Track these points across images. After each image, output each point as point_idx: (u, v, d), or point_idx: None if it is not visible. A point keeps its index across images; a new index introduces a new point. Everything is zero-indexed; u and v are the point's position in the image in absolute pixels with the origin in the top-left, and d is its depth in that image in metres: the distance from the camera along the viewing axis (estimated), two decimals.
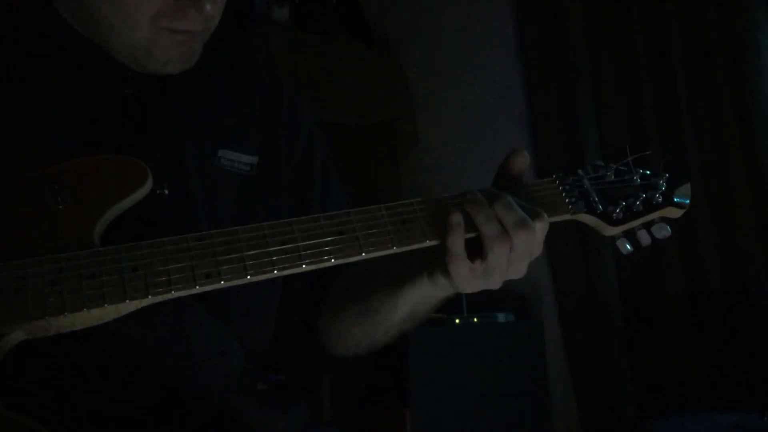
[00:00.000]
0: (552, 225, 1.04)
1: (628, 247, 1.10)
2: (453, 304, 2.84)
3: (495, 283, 1.03)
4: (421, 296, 1.09)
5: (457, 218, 0.99)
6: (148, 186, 1.04)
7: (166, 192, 1.11)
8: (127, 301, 0.93)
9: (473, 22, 3.41)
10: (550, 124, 3.16)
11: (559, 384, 3.02)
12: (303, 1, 3.29)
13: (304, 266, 0.97)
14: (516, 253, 1.00)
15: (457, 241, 0.99)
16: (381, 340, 1.20)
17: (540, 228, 1.01)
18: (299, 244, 0.98)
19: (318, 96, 3.13)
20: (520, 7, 3.27)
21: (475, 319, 2.84)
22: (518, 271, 1.02)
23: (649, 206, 1.10)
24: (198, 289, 0.95)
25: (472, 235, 1.00)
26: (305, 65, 3.17)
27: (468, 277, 1.00)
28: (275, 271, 0.96)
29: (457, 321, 2.83)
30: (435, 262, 1.03)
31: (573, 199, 1.08)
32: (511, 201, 1.00)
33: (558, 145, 3.12)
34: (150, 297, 0.94)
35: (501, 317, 2.89)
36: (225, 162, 1.19)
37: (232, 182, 1.19)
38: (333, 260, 0.99)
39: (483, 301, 2.91)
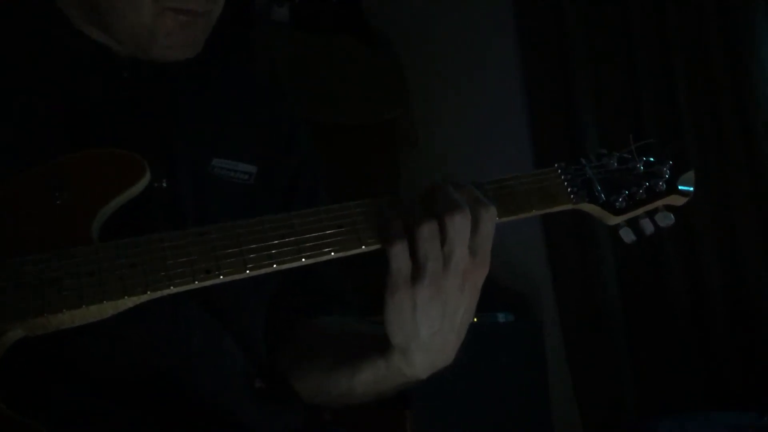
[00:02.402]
0: (552, 222, 1.03)
1: (632, 236, 1.09)
2: None
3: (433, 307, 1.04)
4: (378, 375, 1.08)
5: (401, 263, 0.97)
6: (146, 179, 1.03)
7: (165, 185, 1.10)
8: (126, 297, 0.93)
9: (473, 21, 3.41)
10: (549, 122, 3.16)
11: (559, 384, 3.02)
12: (303, 1, 3.29)
13: (303, 260, 0.97)
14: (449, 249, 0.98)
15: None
16: (334, 402, 1.20)
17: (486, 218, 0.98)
18: (299, 237, 0.98)
19: (318, 96, 3.13)
20: (519, 6, 3.27)
21: (475, 319, 2.82)
22: (454, 283, 1.03)
23: (653, 194, 1.09)
24: (197, 285, 0.94)
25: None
26: (305, 65, 3.17)
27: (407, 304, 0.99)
28: (275, 265, 0.96)
29: None
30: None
31: (575, 189, 1.07)
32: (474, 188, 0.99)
33: (558, 142, 3.12)
34: (149, 293, 0.93)
35: (501, 317, 2.88)
36: (219, 171, 1.18)
37: (229, 190, 1.18)
38: (333, 253, 0.98)
39: (483, 301, 2.89)
